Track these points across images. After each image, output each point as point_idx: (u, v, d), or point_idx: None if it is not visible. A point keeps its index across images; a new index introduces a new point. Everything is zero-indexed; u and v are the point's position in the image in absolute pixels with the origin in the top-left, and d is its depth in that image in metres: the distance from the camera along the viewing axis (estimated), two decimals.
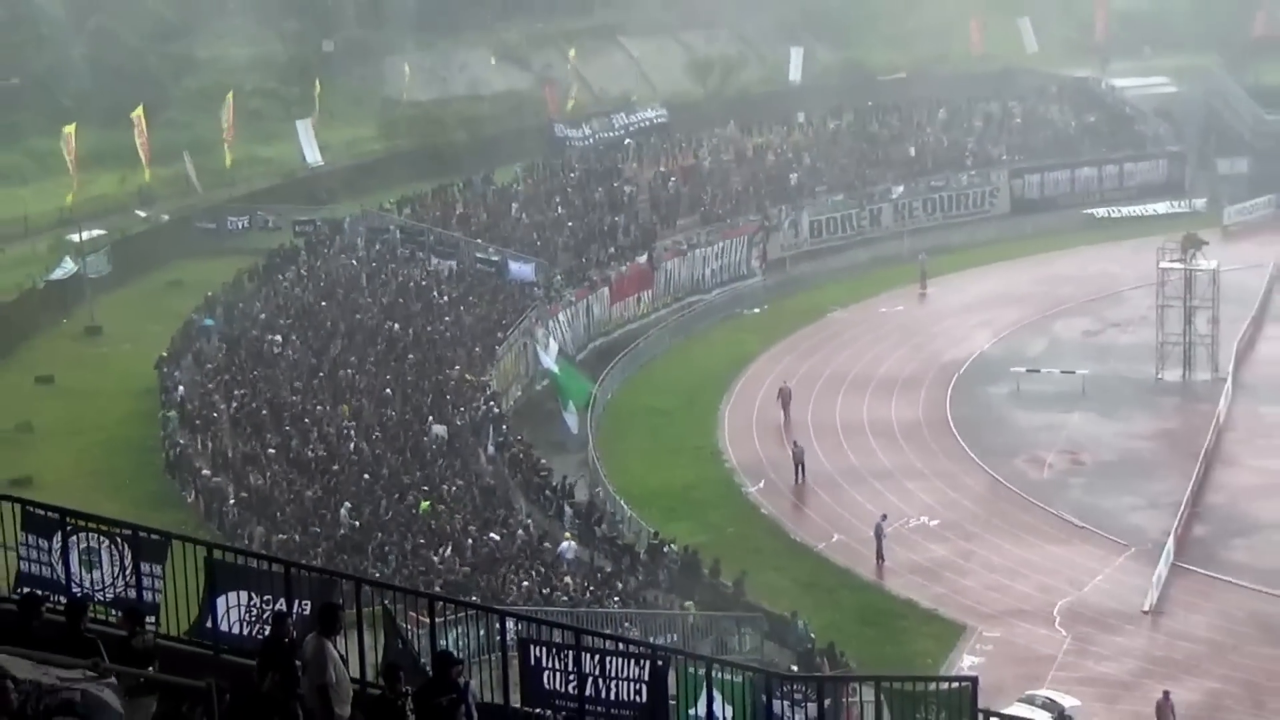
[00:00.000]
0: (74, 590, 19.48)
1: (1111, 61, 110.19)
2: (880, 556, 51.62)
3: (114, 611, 20.10)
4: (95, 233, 75.25)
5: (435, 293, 71.32)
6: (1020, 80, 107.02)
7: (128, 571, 20.55)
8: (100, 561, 20.48)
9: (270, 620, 18.63)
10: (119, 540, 20.84)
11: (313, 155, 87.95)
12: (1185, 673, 44.59)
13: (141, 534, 21.12)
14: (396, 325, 65.84)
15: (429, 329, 66.57)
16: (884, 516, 52.79)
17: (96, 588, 20.11)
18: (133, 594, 20.30)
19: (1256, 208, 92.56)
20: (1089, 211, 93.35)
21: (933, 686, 25.30)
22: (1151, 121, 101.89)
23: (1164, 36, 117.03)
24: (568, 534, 49.52)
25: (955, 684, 25.60)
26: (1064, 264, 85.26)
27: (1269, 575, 50.47)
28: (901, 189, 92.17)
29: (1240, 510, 55.97)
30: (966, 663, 42.05)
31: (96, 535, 20.75)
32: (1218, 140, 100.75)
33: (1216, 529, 54.44)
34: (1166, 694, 40.55)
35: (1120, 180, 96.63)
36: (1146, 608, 48.65)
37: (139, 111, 79.46)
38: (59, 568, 20.26)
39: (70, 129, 78.11)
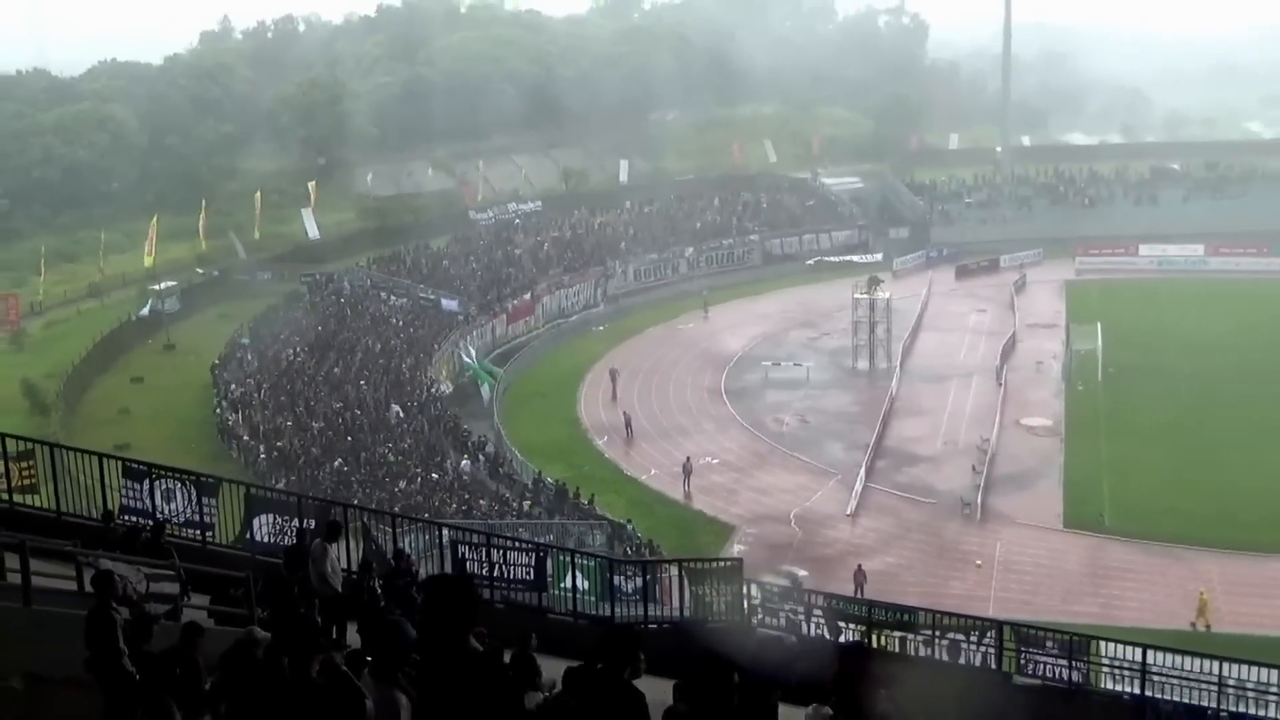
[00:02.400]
0: (157, 516, 19.54)
1: (822, 167, 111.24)
2: (686, 483, 52.31)
3: (185, 530, 20.21)
4: (169, 283, 74.92)
5: (394, 319, 71.50)
6: (765, 179, 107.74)
7: (193, 503, 20.66)
8: (175, 497, 20.69)
9: (294, 534, 19.05)
10: (187, 482, 21.00)
11: (313, 231, 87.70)
12: (874, 553, 45.57)
13: (203, 478, 21.35)
14: (369, 341, 66.25)
15: (390, 343, 66.84)
16: (688, 458, 53.37)
17: (173, 515, 20.18)
18: (197, 518, 20.48)
19: (913, 259, 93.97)
20: (810, 262, 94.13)
21: (714, 565, 25.64)
22: (847, 205, 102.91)
23: (855, 151, 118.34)
24: (466, 458, 50.48)
25: (728, 563, 26.01)
26: (794, 296, 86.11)
27: (921, 490, 51.79)
28: (691, 250, 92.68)
29: (905, 449, 57.03)
30: (736, 549, 42.65)
31: (172, 480, 20.84)
32: (889, 216, 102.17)
33: (891, 461, 55.42)
34: (859, 566, 41.53)
35: (829, 242, 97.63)
36: (849, 512, 49.59)
37: (201, 207, 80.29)
38: (147, 501, 20.29)
39: (154, 219, 78.28)
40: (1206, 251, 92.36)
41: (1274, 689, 21.67)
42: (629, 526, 44.41)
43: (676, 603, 23.96)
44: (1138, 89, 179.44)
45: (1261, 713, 20.86)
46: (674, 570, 24.81)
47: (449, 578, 7.61)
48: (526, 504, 46.85)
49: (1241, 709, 21.46)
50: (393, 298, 75.20)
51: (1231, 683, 22.42)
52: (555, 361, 73.01)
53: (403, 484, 47.51)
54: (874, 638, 23.39)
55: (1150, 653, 23.39)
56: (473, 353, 67.96)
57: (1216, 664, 22.88)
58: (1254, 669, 22.74)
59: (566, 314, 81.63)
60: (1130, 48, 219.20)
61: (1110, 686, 23.33)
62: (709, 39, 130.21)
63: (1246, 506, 47.65)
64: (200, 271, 79.59)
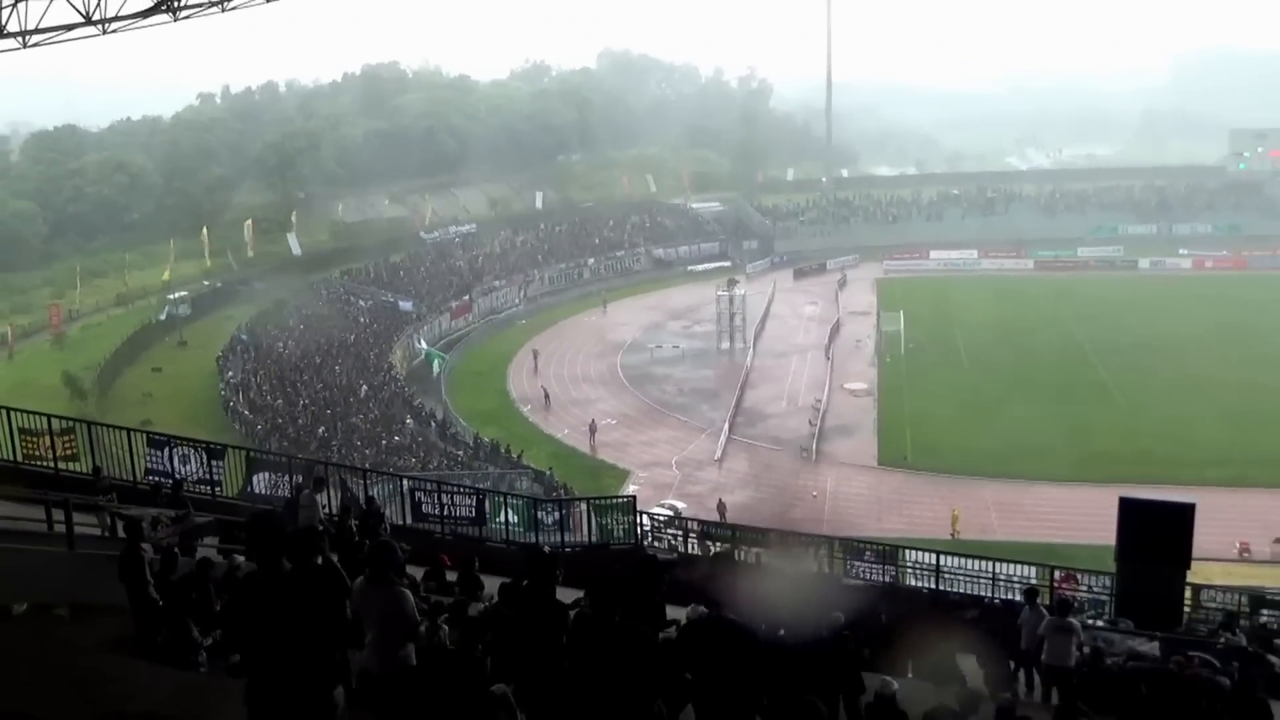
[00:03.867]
0: (176, 476, 19.18)
1: (691, 195, 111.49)
2: (592, 439, 52.28)
3: (199, 486, 19.83)
4: (182, 293, 73.13)
5: (361, 318, 70.47)
6: (649, 205, 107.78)
7: (205, 465, 20.31)
8: (190, 460, 20.26)
9: (293, 489, 18.81)
10: (199, 449, 20.65)
11: (296, 249, 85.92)
12: (735, 488, 45.86)
13: (211, 445, 20.99)
14: (343, 334, 65.18)
15: (359, 336, 65.91)
16: (592, 420, 53.39)
17: (189, 475, 19.80)
18: (208, 477, 20.12)
19: (761, 264, 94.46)
20: (685, 268, 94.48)
21: (614, 501, 25.67)
22: (711, 224, 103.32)
23: (716, 183, 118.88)
24: (409, 419, 50.01)
25: (625, 499, 26.04)
26: (672, 295, 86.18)
27: (770, 440, 52.18)
28: (593, 260, 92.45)
29: (758, 409, 57.51)
30: (631, 489, 42.54)
31: (187, 447, 20.48)
32: (742, 232, 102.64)
33: (747, 419, 55.84)
34: (720, 499, 41.75)
35: (698, 252, 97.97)
36: (716, 458, 49.87)
37: (204, 232, 78.31)
38: (168, 465, 19.92)
39: (171, 242, 76.56)
40: (979, 255, 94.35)
41: (1032, 580, 22.29)
42: (549, 474, 44.38)
43: (586, 531, 24.08)
44: (926, 133, 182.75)
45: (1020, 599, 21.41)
46: (583, 506, 24.92)
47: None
48: (467, 458, 46.67)
49: (1008, 596, 22.05)
50: (360, 301, 74.22)
51: (1001, 578, 23.04)
52: (488, 348, 72.44)
53: (371, 447, 47.11)
54: (736, 552, 23.65)
55: (943, 557, 23.94)
56: (424, 342, 67.72)
57: (991, 564, 23.51)
58: (1017, 566, 23.40)
59: (497, 311, 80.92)
60: (921, 100, 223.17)
61: (914, 583, 23.84)
62: (603, 98, 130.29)
63: (1012, 445, 48.84)
64: (206, 283, 77.81)
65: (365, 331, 67.34)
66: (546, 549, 12.94)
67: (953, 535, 38.81)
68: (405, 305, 73.41)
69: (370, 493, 21.57)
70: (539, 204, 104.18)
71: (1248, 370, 58.49)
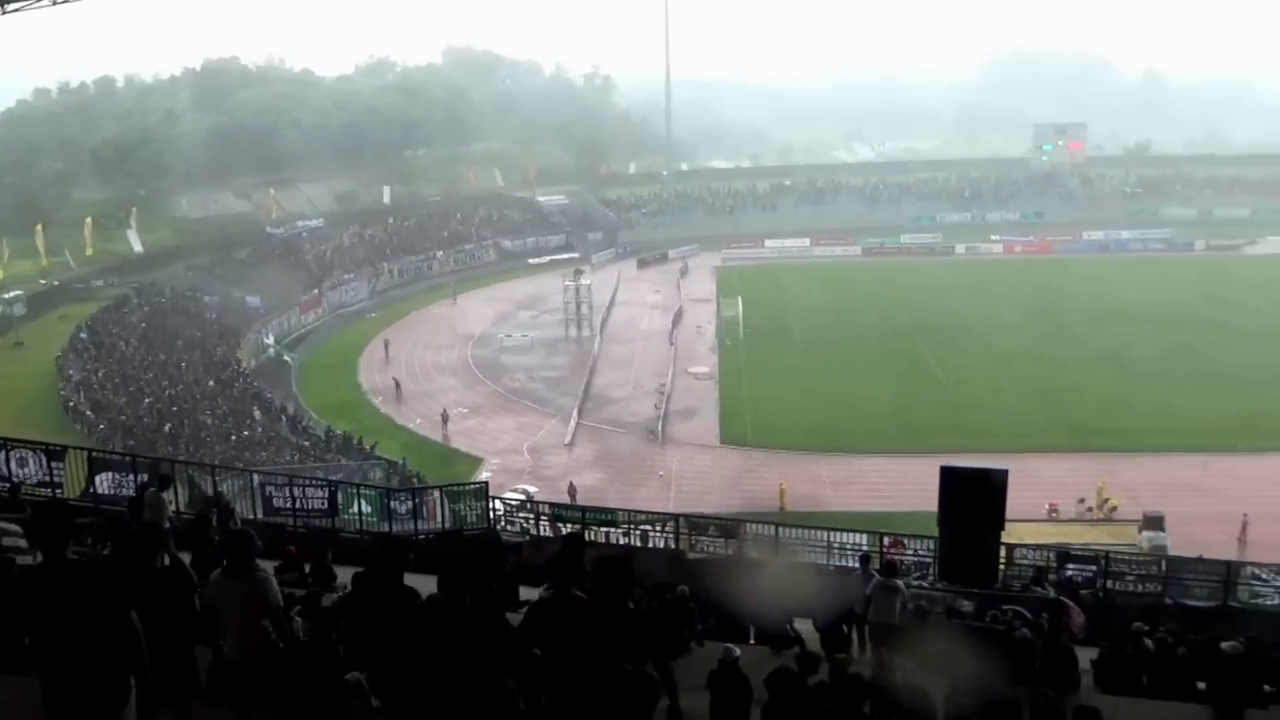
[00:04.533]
0: (13, 480, 18.22)
1: (537, 189, 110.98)
2: (444, 428, 51.68)
3: (39, 489, 18.86)
4: (16, 292, 68.91)
5: (208, 314, 67.92)
6: (495, 198, 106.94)
7: (44, 467, 19.34)
8: (28, 463, 19.21)
9: (138, 488, 18.02)
10: (38, 451, 19.58)
11: (138, 247, 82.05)
12: (585, 471, 45.99)
13: (51, 447, 19.90)
14: (190, 331, 62.70)
15: (205, 332, 63.56)
16: (444, 410, 52.78)
17: (28, 479, 18.80)
18: (48, 479, 19.16)
19: (606, 255, 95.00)
20: (532, 260, 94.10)
21: (466, 488, 25.43)
22: (557, 216, 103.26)
23: (561, 176, 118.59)
24: (257, 411, 48.57)
25: (477, 485, 25.84)
26: (521, 286, 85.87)
27: (618, 423, 52.46)
28: (441, 253, 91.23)
29: (605, 394, 57.77)
30: (484, 475, 42.05)
31: (26, 449, 19.42)
32: (587, 224, 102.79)
33: (595, 403, 56.04)
34: (571, 483, 41.84)
35: (544, 244, 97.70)
36: (566, 442, 49.94)
37: (39, 228, 73.74)
38: (4, 468, 18.94)
39: (3, 240, 72.02)
40: (811, 243, 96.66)
41: (864, 547, 23.04)
42: (402, 463, 43.72)
43: (440, 518, 23.84)
44: (759, 127, 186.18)
45: (852, 564, 22.12)
46: (436, 494, 24.66)
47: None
48: (319, 450, 45.55)
49: (843, 563, 22.75)
50: (206, 297, 71.30)
51: (836, 546, 23.74)
52: (339, 341, 70.74)
53: (219, 443, 45.48)
54: (586, 533, 23.75)
55: (781, 529, 24.55)
56: (273, 338, 65.62)
57: (825, 533, 24.21)
58: (850, 534, 24.16)
59: (346, 305, 79.18)
60: (753, 95, 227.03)
61: (755, 555, 24.36)
62: (449, 93, 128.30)
63: (844, 421, 50.39)
64: (42, 282, 73.56)
65: (212, 328, 64.95)
66: (395, 537, 12.81)
67: (781, 508, 39.67)
68: (252, 301, 71.02)
69: (220, 489, 20.93)
70: (386, 198, 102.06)
71: (1050, 347, 61.83)
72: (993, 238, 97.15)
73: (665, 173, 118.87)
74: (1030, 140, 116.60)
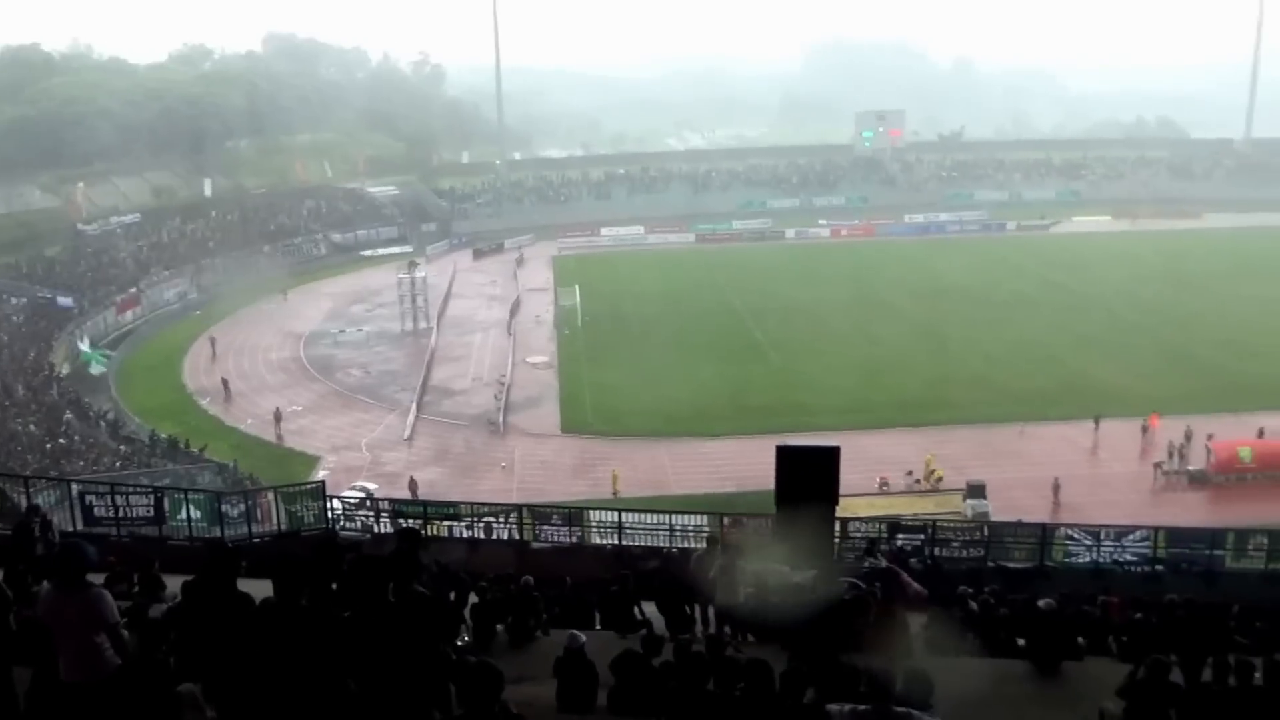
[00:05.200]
0: None
1: (367, 180, 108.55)
2: (277, 428, 50.10)
3: None
4: None
5: (14, 317, 63.99)
6: (325, 190, 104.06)
7: None
8: None
9: None
10: None
11: None
12: (426, 465, 45.36)
13: None
14: None
15: (13, 335, 59.88)
16: (277, 408, 51.18)
17: None
18: None
19: (441, 246, 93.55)
20: (364, 253, 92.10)
21: (302, 488, 24.79)
22: (389, 207, 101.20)
23: (391, 167, 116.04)
24: (74, 419, 46.28)
25: (313, 485, 25.21)
26: (353, 280, 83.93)
27: (459, 416, 51.93)
28: (269, 247, 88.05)
29: (445, 387, 57.06)
30: (320, 474, 40.96)
31: None
32: (420, 215, 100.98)
33: (435, 397, 55.29)
34: (412, 478, 41.23)
35: (377, 236, 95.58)
36: (405, 437, 49.15)
37: None
38: None
39: None
40: (645, 231, 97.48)
41: (705, 529, 23.44)
42: (233, 466, 42.22)
43: (275, 520, 23.13)
44: (591, 116, 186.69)
45: (696, 546, 22.48)
46: (271, 495, 23.94)
47: None
48: (143, 456, 43.51)
49: (684, 545, 23.09)
50: (13, 298, 67.02)
51: (677, 528, 24.07)
52: (161, 341, 67.48)
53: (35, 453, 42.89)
54: (426, 528, 23.45)
55: (624, 514, 24.75)
56: (87, 340, 62.06)
57: (667, 516, 24.52)
58: (691, 516, 24.53)
59: (168, 303, 75.66)
60: (584, 84, 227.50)
61: (599, 541, 24.48)
62: (271, 82, 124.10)
63: (683, 405, 51.09)
64: None
65: (20, 331, 61.17)
66: (223, 542, 12.37)
67: (614, 494, 39.92)
68: (64, 301, 67.11)
69: (35, 501, 19.77)
70: (208, 191, 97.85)
71: (877, 326, 64.17)
72: (820, 222, 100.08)
73: (498, 162, 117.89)
74: (853, 127, 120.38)
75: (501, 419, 50.69)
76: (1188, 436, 43.38)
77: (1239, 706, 9.60)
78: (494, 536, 24.44)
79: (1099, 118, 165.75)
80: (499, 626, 13.44)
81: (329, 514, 23.38)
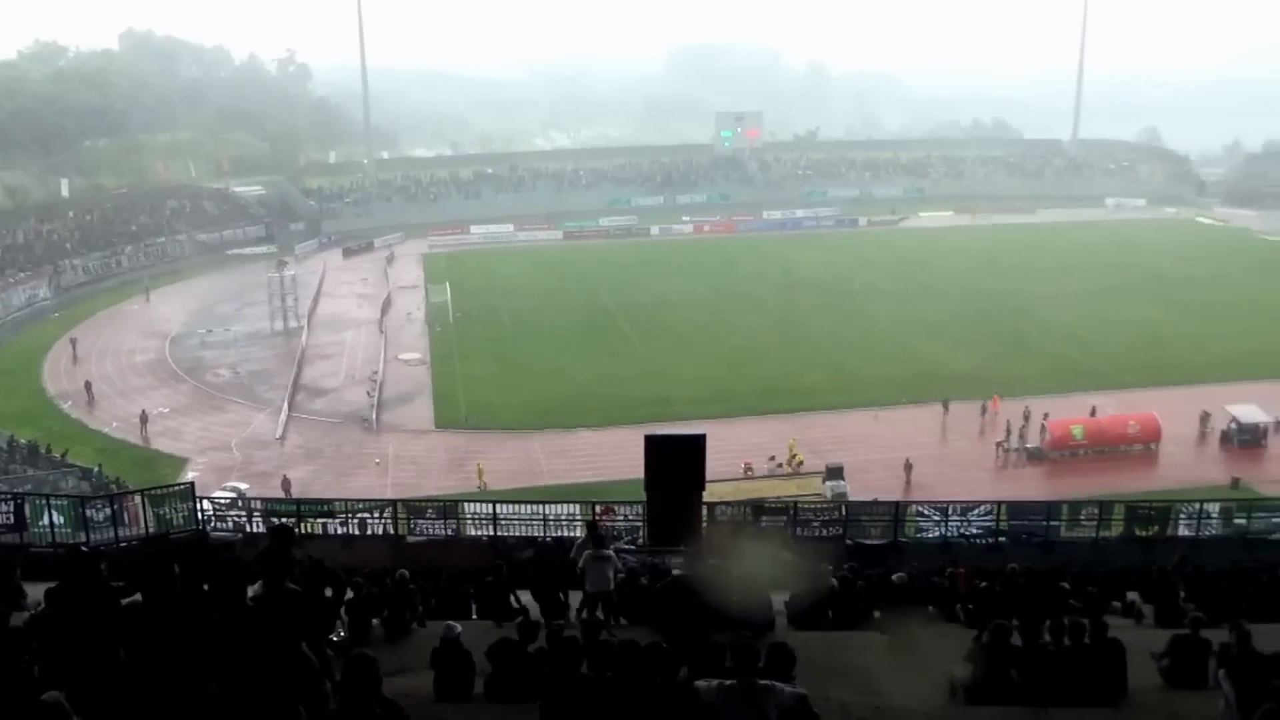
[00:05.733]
0: None
1: (233, 179, 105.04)
2: (143, 430, 48.11)
3: None
4: None
5: None
6: (189, 190, 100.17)
7: None
8: None
9: None
10: None
11: None
12: (300, 465, 44.22)
13: None
14: None
15: None
16: (143, 410, 49.20)
17: None
18: None
19: (310, 245, 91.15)
20: (230, 253, 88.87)
21: (170, 489, 23.95)
22: (255, 207, 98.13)
23: (257, 166, 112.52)
24: None
25: (182, 486, 24.39)
26: (220, 280, 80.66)
27: (332, 413, 50.74)
28: (130, 248, 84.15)
29: (317, 385, 55.60)
30: (190, 475, 39.40)
31: None
32: (288, 214, 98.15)
33: (307, 395, 53.89)
34: (285, 477, 40.17)
35: (244, 236, 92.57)
36: (277, 436, 47.82)
37: None
38: None
39: None
40: (515, 228, 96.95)
41: (579, 519, 23.45)
42: (98, 470, 40.32)
43: (143, 523, 22.24)
44: (459, 116, 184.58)
45: (574, 534, 22.50)
46: (138, 498, 23.00)
47: None
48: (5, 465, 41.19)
49: (558, 534, 23.07)
50: None
51: (551, 518, 24.03)
52: (17, 345, 63.77)
53: None
54: (300, 526, 22.88)
55: (499, 505, 24.58)
56: None
57: (541, 506, 24.46)
58: (564, 506, 24.51)
59: (24, 306, 71.72)
60: (451, 85, 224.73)
61: (474, 533, 24.25)
62: (129, 81, 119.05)
63: (555, 398, 51.00)
64: None
65: None
66: (79, 548, 11.84)
67: (481, 487, 39.57)
68: None
69: None
70: (65, 192, 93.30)
71: (740, 318, 65.20)
72: (683, 219, 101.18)
73: (366, 161, 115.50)
74: (713, 128, 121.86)
75: (374, 416, 49.74)
76: (1025, 416, 45.30)
77: (1072, 664, 10.10)
78: (369, 532, 23.99)
79: (941, 119, 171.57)
80: (375, 620, 13.22)
81: (199, 515, 22.59)
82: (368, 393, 52.59)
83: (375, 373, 55.39)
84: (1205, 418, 45.33)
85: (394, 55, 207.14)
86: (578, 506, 24.22)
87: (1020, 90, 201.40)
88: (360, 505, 25.06)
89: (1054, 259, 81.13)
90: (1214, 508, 25.90)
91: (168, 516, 22.03)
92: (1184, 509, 25.58)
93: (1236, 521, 25.31)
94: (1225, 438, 44.50)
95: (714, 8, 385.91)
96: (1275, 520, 25.70)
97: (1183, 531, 24.73)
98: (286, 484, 39.46)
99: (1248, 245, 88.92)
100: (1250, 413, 44.83)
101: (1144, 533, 24.63)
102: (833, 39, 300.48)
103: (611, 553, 15.26)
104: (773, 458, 42.66)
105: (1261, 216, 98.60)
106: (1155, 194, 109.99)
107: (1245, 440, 44.02)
